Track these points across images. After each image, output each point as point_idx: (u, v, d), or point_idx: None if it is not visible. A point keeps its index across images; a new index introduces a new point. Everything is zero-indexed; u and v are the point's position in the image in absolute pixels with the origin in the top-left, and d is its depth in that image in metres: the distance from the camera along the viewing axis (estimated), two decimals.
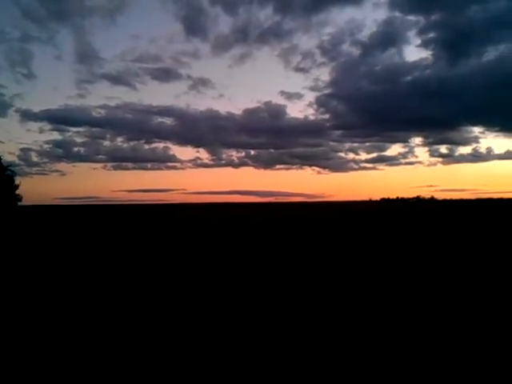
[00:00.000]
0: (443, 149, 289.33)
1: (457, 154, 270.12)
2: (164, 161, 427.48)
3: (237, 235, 23.35)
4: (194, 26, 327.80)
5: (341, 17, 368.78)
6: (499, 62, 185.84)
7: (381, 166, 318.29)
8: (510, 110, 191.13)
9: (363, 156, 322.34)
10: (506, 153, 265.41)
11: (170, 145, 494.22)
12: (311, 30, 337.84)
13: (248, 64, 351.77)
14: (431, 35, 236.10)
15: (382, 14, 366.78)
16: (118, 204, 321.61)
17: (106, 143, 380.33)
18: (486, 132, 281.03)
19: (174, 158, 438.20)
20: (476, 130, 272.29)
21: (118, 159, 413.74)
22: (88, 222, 41.57)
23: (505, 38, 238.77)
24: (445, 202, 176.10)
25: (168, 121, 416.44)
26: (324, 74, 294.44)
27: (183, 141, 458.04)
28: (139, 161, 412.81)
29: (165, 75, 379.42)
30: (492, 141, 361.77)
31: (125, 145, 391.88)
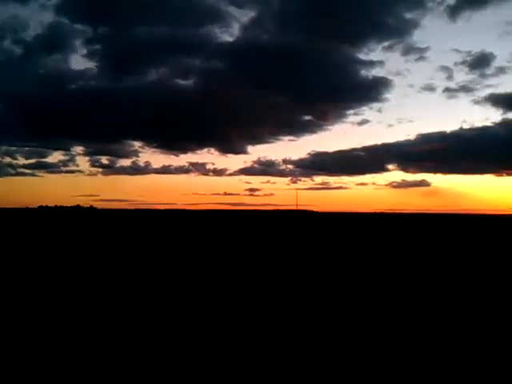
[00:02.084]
0: (104, 160, 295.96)
1: (118, 165, 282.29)
2: None
3: None
4: None
5: (3, 11, 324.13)
6: (159, 82, 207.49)
7: (40, 173, 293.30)
8: (166, 128, 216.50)
9: (21, 161, 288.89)
10: (162, 167, 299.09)
11: None
12: None
13: None
14: (97, 47, 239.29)
15: (48, 17, 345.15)
16: None
17: None
18: (146, 147, 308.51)
19: None
20: (136, 144, 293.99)
21: None
22: None
23: (165, 61, 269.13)
24: (104, 211, 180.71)
25: None
26: None
27: None
28: None
29: None
30: (150, 155, 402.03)
31: None
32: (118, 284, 10.88)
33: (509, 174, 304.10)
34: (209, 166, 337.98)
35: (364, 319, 7.54)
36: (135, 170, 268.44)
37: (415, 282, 11.42)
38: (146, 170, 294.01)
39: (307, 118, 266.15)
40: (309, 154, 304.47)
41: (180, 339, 6.34)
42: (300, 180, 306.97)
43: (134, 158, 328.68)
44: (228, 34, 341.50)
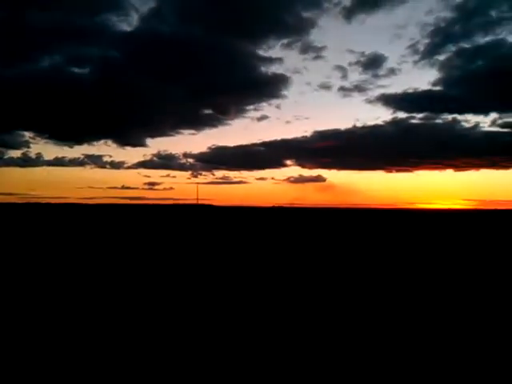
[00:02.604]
0: None
1: (6, 157, 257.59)
2: None
3: None
4: None
5: None
6: (53, 70, 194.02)
7: None
8: (60, 118, 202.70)
9: None
10: (54, 159, 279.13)
11: None
12: None
13: None
14: None
15: None
16: None
17: None
18: (37, 138, 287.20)
19: None
20: (27, 134, 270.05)
21: None
22: None
23: (60, 48, 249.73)
24: None
25: None
26: None
27: None
28: None
29: None
30: (42, 146, 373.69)
31: None
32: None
33: (398, 171, 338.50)
34: (105, 159, 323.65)
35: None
36: (25, 161, 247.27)
37: (305, 275, 11.83)
38: (37, 161, 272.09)
39: (208, 111, 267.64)
40: (209, 148, 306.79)
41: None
42: (201, 174, 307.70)
43: (24, 149, 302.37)
44: (126, 24, 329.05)
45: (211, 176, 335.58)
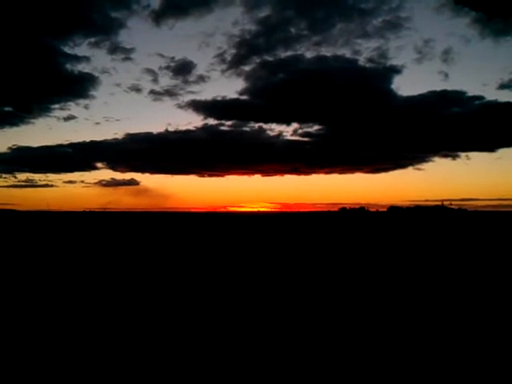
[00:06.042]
0: None
1: None
2: None
3: None
4: None
5: None
6: None
7: None
8: None
9: None
10: None
11: None
12: None
13: None
14: None
15: None
16: None
17: None
18: None
19: None
20: None
21: None
22: None
23: None
24: None
25: None
26: None
27: None
28: None
29: None
30: None
31: None
32: None
33: (210, 176, 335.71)
34: None
35: None
36: None
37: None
38: None
39: (7, 109, 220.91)
40: (10, 148, 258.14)
41: None
42: (0, 177, 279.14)
43: None
44: None
45: (13, 179, 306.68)
